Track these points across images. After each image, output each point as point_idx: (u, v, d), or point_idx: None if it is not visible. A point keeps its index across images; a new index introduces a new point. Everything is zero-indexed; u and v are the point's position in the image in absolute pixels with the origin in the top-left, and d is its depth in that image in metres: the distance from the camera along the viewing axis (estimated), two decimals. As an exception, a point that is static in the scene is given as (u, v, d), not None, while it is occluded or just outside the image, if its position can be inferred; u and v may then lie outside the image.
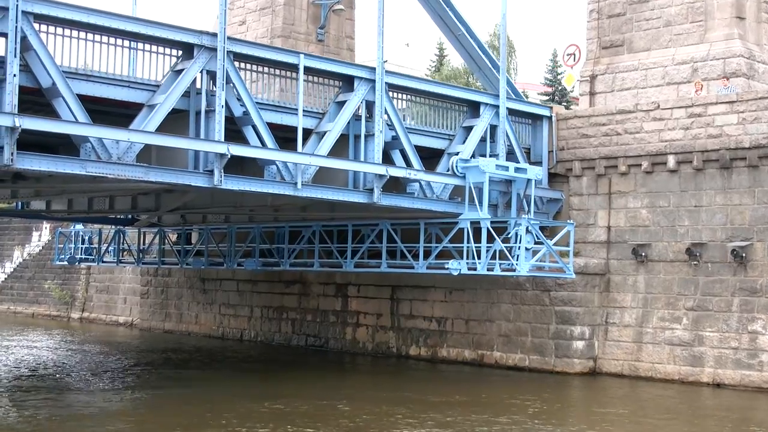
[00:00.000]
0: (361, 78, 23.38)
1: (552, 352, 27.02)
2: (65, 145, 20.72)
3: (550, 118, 28.46)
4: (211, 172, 20.45)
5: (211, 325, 37.77)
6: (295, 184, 22.00)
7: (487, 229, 24.61)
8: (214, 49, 20.54)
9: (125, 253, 38.58)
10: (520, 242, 24.61)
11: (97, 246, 38.60)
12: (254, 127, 21.54)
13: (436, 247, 26.06)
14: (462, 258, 25.07)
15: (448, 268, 24.95)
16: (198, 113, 20.74)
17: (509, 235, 24.88)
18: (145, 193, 29.33)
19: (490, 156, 25.70)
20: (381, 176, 23.34)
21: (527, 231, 24.36)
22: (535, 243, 24.97)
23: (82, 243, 39.10)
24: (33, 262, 50.70)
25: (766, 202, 24.30)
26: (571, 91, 33.50)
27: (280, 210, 27.53)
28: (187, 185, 20.39)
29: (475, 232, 24.86)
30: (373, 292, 31.79)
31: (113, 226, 38.60)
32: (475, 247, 24.71)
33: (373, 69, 23.48)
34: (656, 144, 26.21)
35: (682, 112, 25.80)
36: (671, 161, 25.84)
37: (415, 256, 26.68)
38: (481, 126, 26.12)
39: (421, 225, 26.31)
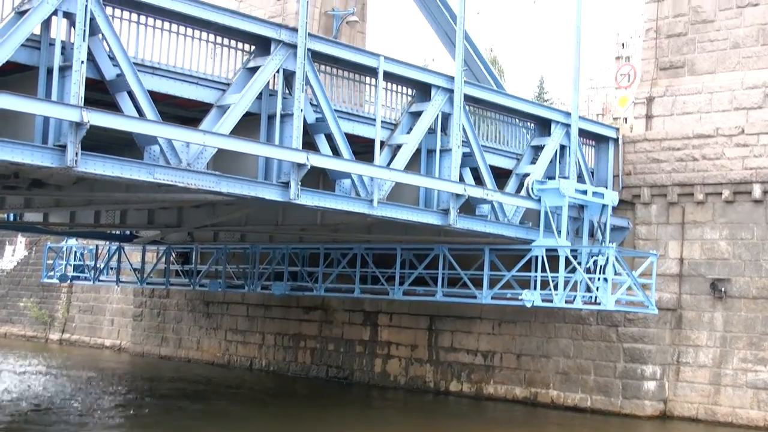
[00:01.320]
0: (438, 87, 21.06)
1: (619, 393, 24.81)
2: (117, 147, 18.09)
3: (616, 140, 26.42)
4: (286, 184, 17.92)
5: (215, 351, 34.93)
6: (371, 201, 19.58)
7: (566, 258, 22.41)
8: (293, 46, 18.11)
9: (123, 271, 35.75)
10: (602, 273, 22.42)
11: (90, 263, 35.59)
12: (327, 136, 19.14)
13: (503, 275, 23.74)
14: (531, 288, 22.85)
15: (521, 299, 22.64)
16: (270, 117, 18.26)
17: (588, 266, 22.71)
18: (165, 208, 26.80)
19: (561, 179, 23.51)
20: (458, 196, 20.99)
21: (609, 261, 22.14)
22: (614, 274, 22.80)
23: (75, 260, 36.07)
24: (7, 279, 47.30)
25: None
26: (616, 117, 31.58)
27: (338, 231, 24.96)
28: (260, 198, 17.79)
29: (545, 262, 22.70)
30: (407, 322, 29.34)
31: (107, 242, 35.74)
32: (552, 277, 22.48)
33: (451, 78, 21.19)
34: (740, 171, 24.27)
35: (771, 137, 23.94)
36: (757, 190, 23.90)
37: (476, 284, 24.31)
38: (551, 145, 23.98)
39: (486, 251, 24.00)
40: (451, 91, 21.08)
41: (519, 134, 24.43)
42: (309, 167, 17.77)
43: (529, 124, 24.53)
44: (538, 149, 24.21)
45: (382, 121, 20.28)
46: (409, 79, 20.97)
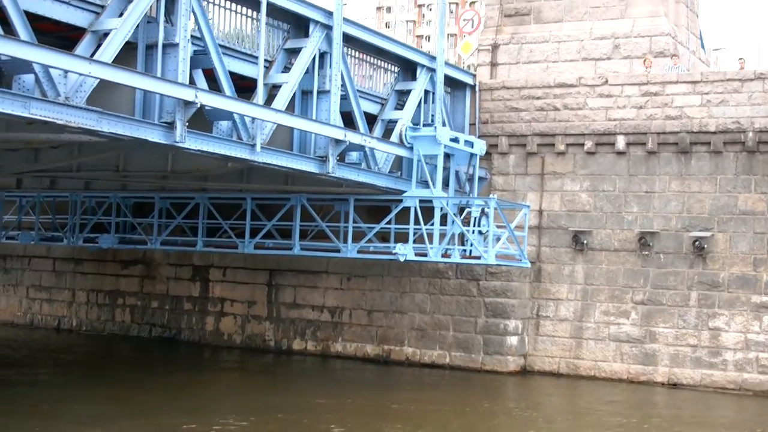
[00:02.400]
0: (317, 22, 19.07)
1: (480, 349, 24.06)
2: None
3: (473, 87, 25.38)
4: (170, 124, 15.51)
5: (14, 310, 31.38)
6: (253, 146, 17.48)
7: (441, 210, 21.24)
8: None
9: None
10: (478, 225, 21.42)
11: None
12: (206, 73, 16.86)
13: (370, 228, 22.26)
14: (404, 242, 21.55)
15: (396, 254, 21.23)
16: (148, 48, 15.74)
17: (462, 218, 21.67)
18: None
19: (434, 126, 22.21)
20: (338, 142, 19.24)
21: (491, 213, 21.15)
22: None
23: None
24: None
25: (729, 191, 22.66)
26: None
27: (206, 179, 22.47)
28: (141, 140, 15.27)
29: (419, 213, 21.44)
30: (243, 277, 27.29)
31: None
32: (427, 230, 21.24)
33: (329, 13, 19.26)
34: (603, 122, 23.91)
35: (635, 89, 23.64)
36: (621, 142, 23.62)
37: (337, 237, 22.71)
38: (417, 90, 22.59)
39: (351, 202, 22.38)
40: (330, 27, 19.18)
41: (384, 77, 22.88)
42: (198, 106, 15.47)
43: (393, 67, 23.01)
44: (402, 94, 22.80)
45: (255, 58, 18.05)
46: (286, 11, 18.83)
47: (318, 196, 22.99)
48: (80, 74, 13.67)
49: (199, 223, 24.45)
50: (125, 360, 25.71)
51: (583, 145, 24.10)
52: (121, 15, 15.24)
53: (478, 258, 21.23)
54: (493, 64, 28.17)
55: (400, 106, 22.71)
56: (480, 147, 23.04)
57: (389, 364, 24.90)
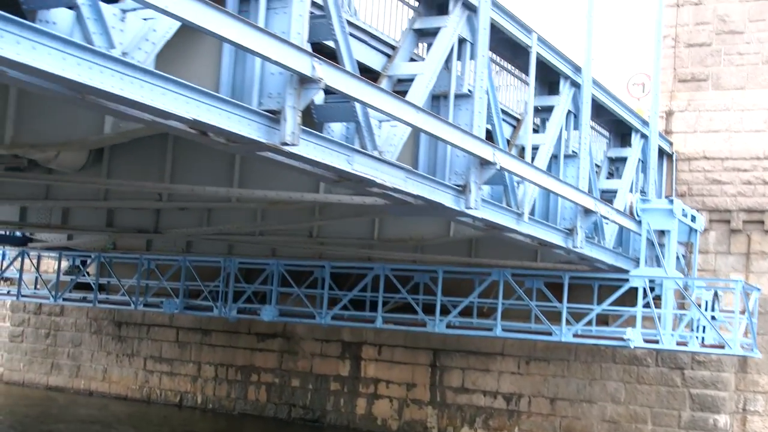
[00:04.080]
0: (567, 77, 17.12)
1: (685, 446, 21.72)
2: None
3: (671, 156, 23.41)
4: (462, 188, 13.40)
5: (129, 383, 28.93)
6: (520, 214, 15.35)
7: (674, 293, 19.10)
8: None
9: (6, 282, 29.18)
10: (711, 309, 19.24)
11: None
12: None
13: (589, 308, 20.01)
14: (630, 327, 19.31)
15: (626, 339, 18.96)
16: (436, 98, 13.63)
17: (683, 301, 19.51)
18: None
19: (665, 198, 20.17)
20: (588, 212, 17.12)
21: (737, 297, 18.98)
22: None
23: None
24: None
25: None
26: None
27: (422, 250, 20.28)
28: (436, 204, 13.13)
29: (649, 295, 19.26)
30: (401, 356, 24.94)
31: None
32: (658, 314, 19.03)
33: (578, 68, 17.29)
34: (824, 199, 21.91)
35: None
36: (844, 221, 21.60)
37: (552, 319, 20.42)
38: (633, 157, 20.60)
39: (565, 278, 20.19)
40: (579, 86, 17.19)
41: (596, 143, 20.88)
42: (497, 168, 13.36)
43: (604, 131, 21.08)
44: (614, 161, 20.82)
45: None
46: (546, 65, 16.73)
47: (523, 272, 20.78)
48: (407, 123, 11.58)
49: (379, 296, 22.11)
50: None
51: (797, 223, 22.08)
52: (412, 60, 13.37)
53: (722, 347, 18.94)
54: (667, 132, 26.28)
55: (609, 174, 20.75)
56: (700, 223, 20.99)
57: (575, 459, 22.54)
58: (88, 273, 28.58)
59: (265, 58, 9.07)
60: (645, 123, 21.18)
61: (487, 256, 20.85)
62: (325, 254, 23.15)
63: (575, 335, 19.99)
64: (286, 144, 9.70)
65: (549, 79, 17.04)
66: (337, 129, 11.55)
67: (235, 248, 24.58)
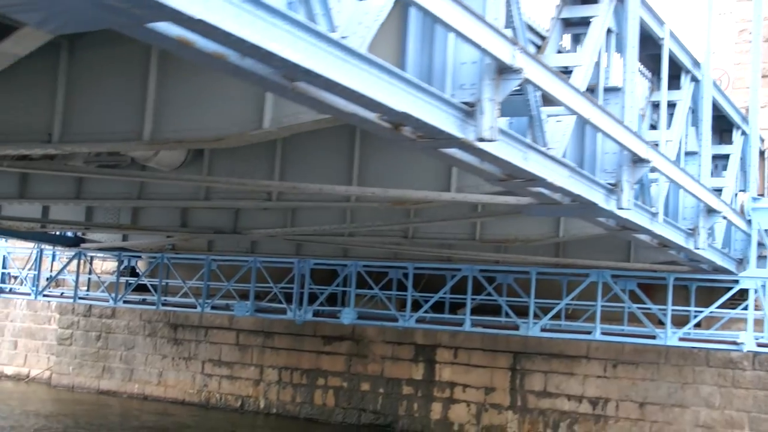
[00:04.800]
0: (688, 71, 16.29)
1: (786, 454, 20.90)
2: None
3: (762, 153, 22.57)
4: (613, 186, 12.56)
5: (186, 387, 28.05)
6: (655, 214, 14.51)
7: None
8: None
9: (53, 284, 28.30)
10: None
11: (25, 271, 27.79)
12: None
13: (690, 312, 19.19)
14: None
15: (739, 344, 18.14)
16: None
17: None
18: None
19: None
20: (711, 212, 16.28)
21: None
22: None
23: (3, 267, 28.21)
24: None
25: None
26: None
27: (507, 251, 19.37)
28: (589, 203, 12.29)
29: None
30: (479, 359, 24.10)
31: (37, 245, 28.21)
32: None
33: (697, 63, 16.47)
34: None
35: None
36: None
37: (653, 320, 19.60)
38: (736, 154, 19.77)
39: (669, 280, 19.35)
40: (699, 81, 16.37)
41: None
42: (650, 165, 12.53)
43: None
44: (717, 158, 19.99)
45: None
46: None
47: (620, 273, 19.95)
48: (586, 119, 10.73)
49: (467, 298, 21.28)
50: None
51: None
52: (559, 51, 12.58)
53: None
54: (749, 128, 25.47)
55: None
56: (803, 223, 20.17)
57: (666, 466, 21.72)
58: (139, 274, 27.85)
59: (466, 39, 8.20)
60: (744, 119, 20.35)
61: (575, 256, 20.04)
62: (401, 255, 22.36)
63: (681, 338, 19.14)
64: (483, 139, 8.87)
65: (672, 73, 16.22)
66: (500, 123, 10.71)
67: (303, 248, 23.77)
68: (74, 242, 27.71)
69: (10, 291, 28.22)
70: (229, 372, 27.32)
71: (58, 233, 27.17)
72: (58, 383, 30.28)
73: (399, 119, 8.47)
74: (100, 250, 27.70)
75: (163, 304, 25.14)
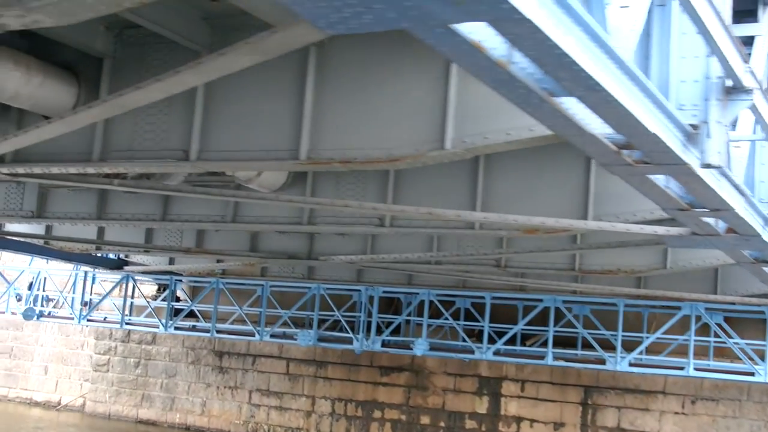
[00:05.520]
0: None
1: None
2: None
3: None
4: (773, 215, 11.78)
5: (231, 418, 27.03)
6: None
7: None
8: None
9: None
10: None
11: (67, 294, 26.75)
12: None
13: None
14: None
15: None
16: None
17: None
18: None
19: None
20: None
21: None
22: None
23: (39, 289, 27.13)
24: None
25: None
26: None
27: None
28: (755, 234, 11.49)
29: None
30: (548, 393, 23.23)
31: (76, 266, 27.20)
32: None
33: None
34: None
35: None
36: None
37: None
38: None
39: (769, 314, 18.59)
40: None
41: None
42: None
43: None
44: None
45: None
46: None
47: (715, 306, 19.17)
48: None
49: (549, 330, 20.42)
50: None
51: None
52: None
53: None
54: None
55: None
56: None
57: None
58: (180, 298, 26.94)
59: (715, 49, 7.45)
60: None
61: (656, 287, 19.25)
62: (470, 283, 21.59)
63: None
64: (710, 166, 8.09)
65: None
66: None
67: (364, 274, 22.94)
68: (117, 264, 26.79)
69: (49, 315, 27.13)
70: (279, 402, 26.34)
71: (103, 255, 26.25)
72: (93, 411, 29.20)
73: (633, 141, 7.68)
74: (144, 273, 26.76)
75: (218, 332, 24.11)
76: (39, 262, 27.11)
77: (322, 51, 9.51)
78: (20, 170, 11.57)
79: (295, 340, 22.53)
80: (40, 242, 22.82)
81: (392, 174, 13.79)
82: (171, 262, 25.24)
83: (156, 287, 28.12)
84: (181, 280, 27.17)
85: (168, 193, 15.09)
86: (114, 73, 10.47)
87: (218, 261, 23.50)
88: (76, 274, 27.33)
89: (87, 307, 27.33)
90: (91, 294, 27.34)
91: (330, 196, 14.05)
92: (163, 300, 26.26)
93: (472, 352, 20.89)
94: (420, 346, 20.87)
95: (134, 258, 26.26)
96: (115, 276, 26.57)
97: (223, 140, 10.14)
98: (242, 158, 10.27)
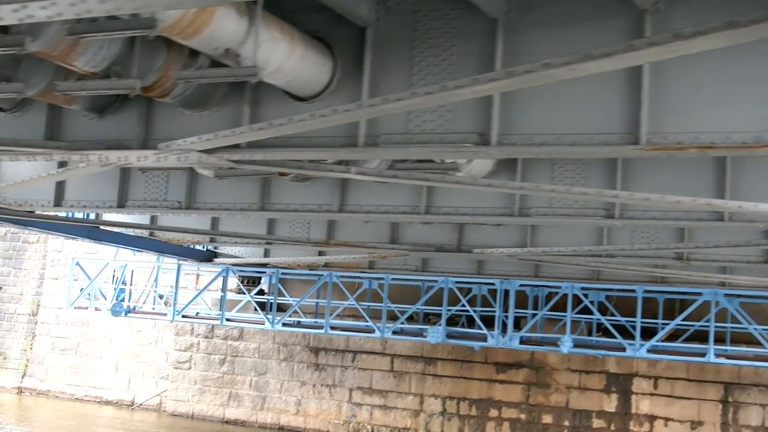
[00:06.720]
0: None
1: None
2: None
3: None
4: None
5: (330, 417, 25.70)
6: None
7: None
8: None
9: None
10: None
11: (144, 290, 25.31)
12: None
13: None
14: None
15: None
16: None
17: None
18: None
19: None
20: None
21: None
22: None
23: (124, 283, 25.61)
24: None
25: None
26: None
27: None
28: None
29: None
30: (683, 390, 22.09)
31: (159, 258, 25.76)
32: None
33: None
34: None
35: None
36: None
37: None
38: None
39: None
40: None
41: None
42: None
43: None
44: None
45: None
46: None
47: None
48: None
49: (710, 326, 19.24)
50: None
51: None
52: None
53: None
54: None
55: None
56: None
57: None
58: (264, 291, 25.58)
59: None
60: None
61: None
62: (603, 276, 20.38)
63: None
64: None
65: None
66: None
67: (485, 266, 21.66)
68: (207, 257, 25.39)
69: (135, 310, 25.65)
70: (383, 401, 25.05)
71: (193, 246, 24.84)
72: (174, 410, 27.79)
73: None
74: (236, 266, 25.36)
75: (332, 328, 22.71)
76: (124, 254, 25.57)
77: (657, 17, 8.18)
78: (259, 157, 10.18)
79: (425, 336, 21.20)
80: (145, 233, 21.46)
81: (620, 160, 12.49)
82: (266, 254, 23.88)
83: (240, 280, 26.73)
84: (264, 272, 25.82)
85: (352, 178, 13.70)
86: (378, 45, 9.12)
87: (368, 253, 21.90)
88: (158, 267, 25.87)
89: (163, 301, 25.94)
90: (176, 288, 25.90)
91: (545, 183, 12.76)
92: (258, 294, 24.91)
93: (623, 349, 19.66)
94: (565, 344, 19.62)
95: (224, 250, 24.92)
96: (192, 269, 25.27)
97: (526, 123, 8.87)
98: (555, 143, 8.93)
